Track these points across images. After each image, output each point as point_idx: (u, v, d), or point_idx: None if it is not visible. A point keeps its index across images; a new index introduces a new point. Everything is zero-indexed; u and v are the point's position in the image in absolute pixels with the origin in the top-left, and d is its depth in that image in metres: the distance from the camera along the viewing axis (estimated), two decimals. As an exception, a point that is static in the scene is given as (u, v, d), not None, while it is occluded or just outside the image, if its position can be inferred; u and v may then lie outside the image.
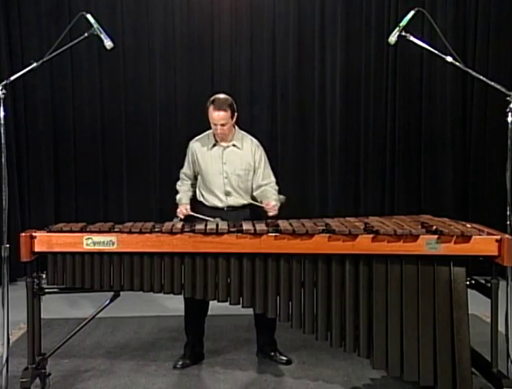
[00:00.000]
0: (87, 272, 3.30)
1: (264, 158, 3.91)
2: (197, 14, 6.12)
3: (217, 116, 3.72)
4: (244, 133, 3.94)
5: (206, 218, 3.71)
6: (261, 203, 3.81)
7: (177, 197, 3.93)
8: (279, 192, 3.90)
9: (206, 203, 3.87)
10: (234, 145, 3.86)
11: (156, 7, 6.10)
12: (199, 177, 3.93)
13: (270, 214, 3.69)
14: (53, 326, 4.50)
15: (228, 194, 3.81)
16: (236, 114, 3.81)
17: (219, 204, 3.83)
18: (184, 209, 3.81)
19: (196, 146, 3.92)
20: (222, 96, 3.82)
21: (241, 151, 3.86)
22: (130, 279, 3.31)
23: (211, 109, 3.75)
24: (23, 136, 6.03)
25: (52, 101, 6.09)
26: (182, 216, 3.79)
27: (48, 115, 6.08)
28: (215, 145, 3.87)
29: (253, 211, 3.87)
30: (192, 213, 3.80)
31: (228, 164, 3.83)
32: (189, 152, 3.95)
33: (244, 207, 3.85)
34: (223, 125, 3.74)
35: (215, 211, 3.81)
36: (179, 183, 4.01)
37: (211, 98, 3.79)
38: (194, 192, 3.96)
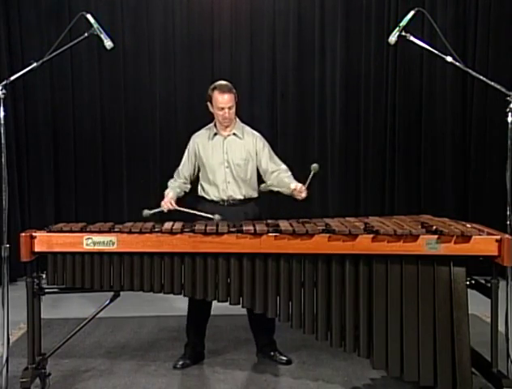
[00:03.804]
0: (87, 272, 3.30)
1: (268, 147, 3.90)
2: (197, 14, 6.13)
3: (224, 99, 3.73)
4: (244, 125, 3.95)
5: (196, 212, 3.71)
6: (287, 189, 3.76)
7: (166, 191, 3.87)
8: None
9: (207, 197, 3.85)
10: (235, 134, 3.86)
11: (156, 7, 6.10)
12: (201, 171, 3.91)
13: (303, 196, 3.66)
14: (53, 326, 4.50)
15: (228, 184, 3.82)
16: (237, 99, 3.82)
17: (220, 196, 3.81)
18: (169, 202, 3.76)
19: (197, 139, 3.92)
20: (223, 81, 3.85)
21: (242, 141, 3.86)
22: (130, 279, 3.31)
23: (215, 94, 3.75)
24: (23, 136, 6.03)
25: (52, 101, 6.10)
26: (166, 210, 3.76)
27: (48, 115, 6.08)
28: (215, 135, 3.87)
29: (251, 208, 3.86)
30: (178, 208, 3.77)
31: (229, 154, 3.83)
32: (190, 146, 3.93)
33: (243, 201, 3.84)
34: (230, 108, 3.75)
35: (215, 206, 3.80)
36: (171, 180, 3.95)
37: (212, 85, 3.81)
38: (185, 192, 3.92)
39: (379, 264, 3.20)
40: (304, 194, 3.68)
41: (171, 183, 3.94)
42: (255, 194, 3.91)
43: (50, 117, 6.10)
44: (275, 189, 3.86)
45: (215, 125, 3.88)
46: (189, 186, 3.95)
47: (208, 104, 3.83)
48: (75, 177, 6.18)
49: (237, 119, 3.91)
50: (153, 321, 4.77)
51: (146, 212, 3.70)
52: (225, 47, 6.15)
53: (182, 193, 3.91)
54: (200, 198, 3.90)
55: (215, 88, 3.77)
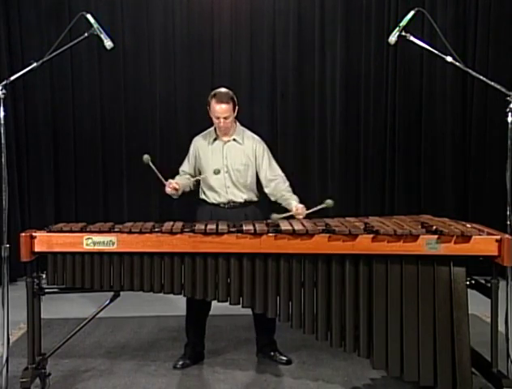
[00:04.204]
0: (87, 272, 3.30)
1: (267, 153, 3.90)
2: (197, 14, 6.13)
3: (220, 109, 3.72)
4: (245, 129, 3.95)
5: (201, 177, 3.78)
6: (285, 211, 3.71)
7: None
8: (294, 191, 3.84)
9: (208, 200, 3.86)
10: (235, 139, 3.86)
11: (156, 7, 6.10)
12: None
13: (301, 217, 3.60)
14: (53, 326, 4.50)
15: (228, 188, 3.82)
16: (237, 108, 3.81)
17: (221, 200, 3.82)
18: (175, 182, 3.75)
19: (198, 142, 3.93)
20: (223, 89, 3.83)
21: (242, 146, 3.86)
22: (130, 279, 3.31)
23: (213, 102, 3.75)
24: (23, 136, 6.04)
25: (52, 101, 6.10)
26: (170, 189, 3.73)
27: (48, 115, 6.09)
28: (215, 139, 3.87)
29: (252, 210, 3.86)
30: (178, 187, 3.76)
31: (229, 159, 3.83)
32: (191, 148, 3.95)
33: (243, 204, 3.85)
34: (225, 118, 3.74)
35: (216, 209, 3.81)
36: (177, 177, 3.93)
37: (212, 92, 3.80)
38: (190, 189, 3.92)
39: (379, 264, 3.20)
40: (301, 217, 3.63)
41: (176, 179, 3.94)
42: (255, 198, 3.92)
43: (50, 117, 6.10)
44: (279, 202, 3.83)
45: (215, 129, 3.88)
46: (194, 182, 3.95)
47: (208, 108, 3.83)
48: (75, 177, 6.18)
49: (238, 123, 3.91)
50: (153, 321, 4.76)
51: (146, 157, 3.66)
52: (225, 47, 6.15)
53: (188, 188, 3.90)
54: (201, 200, 3.91)
55: (214, 96, 3.76)
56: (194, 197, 3.97)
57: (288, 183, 3.87)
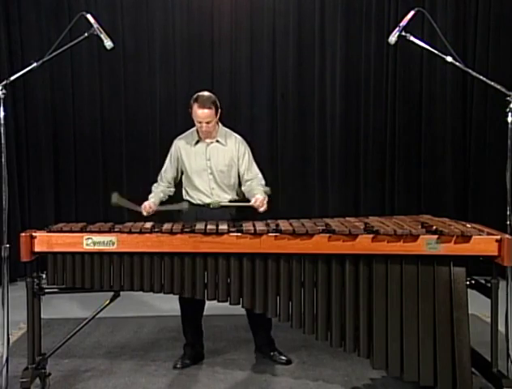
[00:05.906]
0: (87, 272, 3.30)
1: (248, 153, 3.89)
2: (197, 14, 6.13)
3: (202, 113, 3.70)
4: (228, 130, 3.93)
5: (174, 207, 3.76)
6: (247, 202, 3.75)
7: (150, 196, 3.88)
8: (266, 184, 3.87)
9: (193, 201, 3.85)
10: (218, 141, 3.85)
11: (156, 7, 6.10)
12: (184, 176, 3.91)
13: (261, 210, 3.64)
14: (53, 326, 4.50)
15: (212, 192, 3.82)
16: (219, 111, 3.79)
17: (206, 200, 3.82)
18: (148, 206, 3.76)
19: (180, 143, 3.91)
20: (206, 93, 3.79)
21: (225, 147, 3.85)
22: (130, 279, 3.31)
23: (195, 106, 3.72)
24: (23, 136, 6.04)
25: (52, 101, 6.10)
26: (146, 213, 3.75)
27: (48, 115, 6.09)
28: (198, 141, 3.85)
29: (239, 209, 3.84)
30: (159, 208, 3.79)
31: (212, 160, 3.82)
32: (172, 150, 3.92)
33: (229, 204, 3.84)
34: (208, 122, 3.72)
35: (201, 210, 3.80)
36: (155, 185, 3.95)
37: (194, 96, 3.76)
38: (169, 196, 3.92)
39: (379, 264, 3.20)
40: (262, 209, 3.64)
41: (155, 188, 3.93)
42: (237, 197, 3.90)
43: (50, 117, 6.10)
44: (249, 197, 3.84)
45: (197, 131, 3.86)
46: (173, 190, 3.94)
47: (190, 111, 3.79)
48: (75, 177, 6.18)
49: (220, 125, 3.88)
50: (153, 321, 4.76)
51: (114, 201, 3.71)
52: (225, 47, 6.15)
53: (166, 197, 3.91)
54: (185, 201, 3.88)
55: (196, 100, 3.72)
56: (176, 198, 3.94)
57: (263, 182, 3.87)
